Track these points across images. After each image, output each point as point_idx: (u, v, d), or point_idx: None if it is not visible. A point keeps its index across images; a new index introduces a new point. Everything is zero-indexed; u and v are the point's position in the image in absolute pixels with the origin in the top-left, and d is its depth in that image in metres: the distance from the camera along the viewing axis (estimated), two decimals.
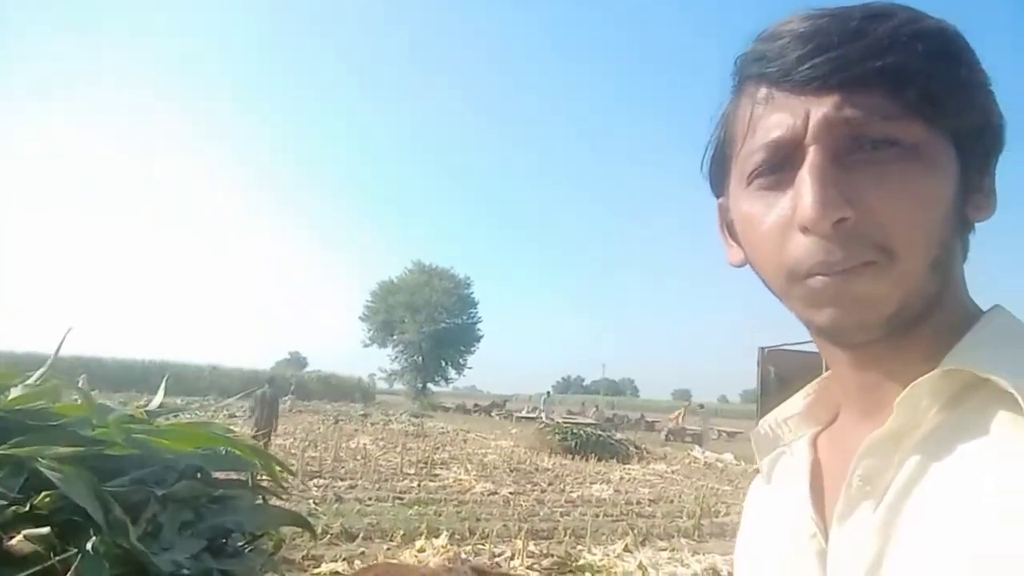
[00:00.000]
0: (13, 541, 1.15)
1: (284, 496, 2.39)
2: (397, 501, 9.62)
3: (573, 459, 16.32)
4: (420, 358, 52.34)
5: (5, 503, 1.23)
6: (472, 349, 54.13)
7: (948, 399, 0.50)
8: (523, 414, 34.49)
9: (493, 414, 37.76)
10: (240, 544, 2.02)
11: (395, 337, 52.31)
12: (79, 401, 1.68)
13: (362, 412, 30.60)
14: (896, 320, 0.51)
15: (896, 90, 0.50)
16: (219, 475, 2.08)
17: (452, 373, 54.60)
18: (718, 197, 0.65)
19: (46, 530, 1.20)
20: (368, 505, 9.23)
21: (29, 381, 1.66)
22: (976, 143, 0.53)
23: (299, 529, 2.44)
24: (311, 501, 9.11)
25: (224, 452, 2.10)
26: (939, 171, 0.51)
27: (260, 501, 2.18)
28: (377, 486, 10.82)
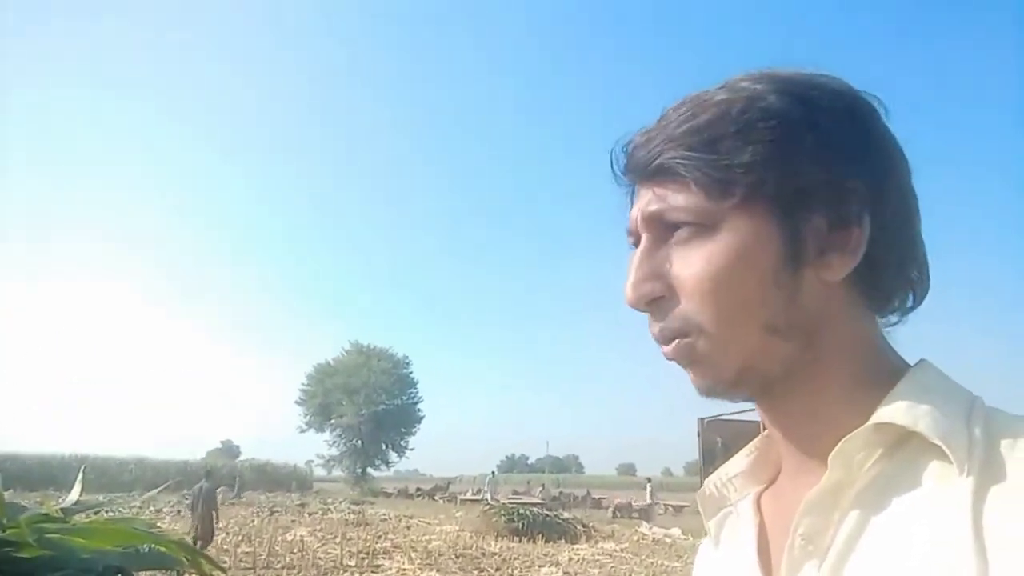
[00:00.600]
0: None
1: None
2: None
3: (520, 541, 15.89)
4: (359, 442, 50.73)
5: None
6: (413, 430, 52.87)
7: (881, 452, 0.52)
8: (468, 496, 33.66)
9: (437, 497, 36.73)
10: None
11: (333, 421, 50.70)
12: None
13: (299, 502, 29.24)
14: (747, 383, 0.56)
15: (692, 175, 0.54)
16: (143, 575, 1.94)
17: (393, 456, 53.04)
18: None
19: None
20: None
21: None
22: (804, 201, 0.54)
23: None
24: None
25: (148, 549, 1.97)
26: (741, 242, 0.53)
27: None
28: None
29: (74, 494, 2.15)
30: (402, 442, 52.57)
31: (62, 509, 2.04)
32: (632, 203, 0.61)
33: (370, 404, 48.81)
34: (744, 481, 0.67)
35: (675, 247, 0.56)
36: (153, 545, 1.99)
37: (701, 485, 0.69)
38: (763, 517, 0.63)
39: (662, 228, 0.57)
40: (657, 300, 0.56)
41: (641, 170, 0.58)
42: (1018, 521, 0.43)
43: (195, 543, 11.98)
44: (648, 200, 0.58)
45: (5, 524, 1.68)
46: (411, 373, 52.51)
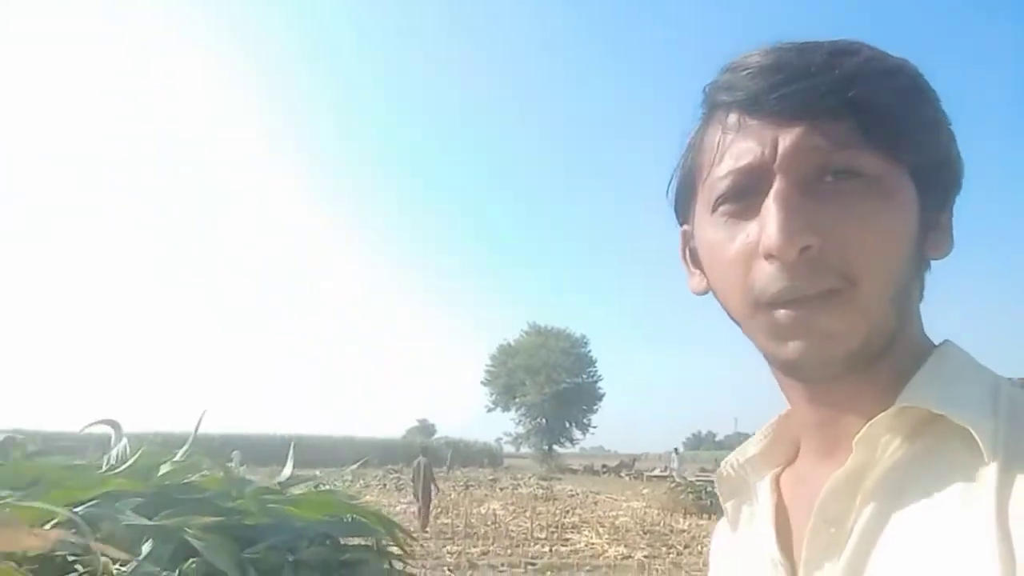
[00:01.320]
0: None
1: (411, 561, 2.47)
2: (530, 567, 9.54)
3: (709, 519, 15.57)
4: (543, 420, 52.12)
5: (157, 569, 1.36)
6: (595, 408, 53.37)
7: (905, 436, 0.51)
8: (654, 473, 33.42)
9: (622, 474, 36.82)
10: None
11: (517, 400, 52.46)
12: (219, 475, 1.84)
13: (491, 477, 30.72)
14: (858, 356, 0.52)
15: (861, 123, 0.50)
16: (347, 541, 2.19)
17: (577, 434, 53.94)
18: (682, 224, 0.65)
19: None
20: (501, 571, 9.21)
21: (176, 459, 1.84)
22: (936, 181, 0.54)
23: None
24: (446, 568, 9.19)
25: (351, 519, 2.21)
26: (901, 205, 0.52)
27: (387, 566, 2.27)
28: (509, 551, 10.77)
29: (287, 470, 2.47)
30: (585, 419, 53.29)
31: (279, 483, 2.34)
32: (750, 133, 0.53)
33: (551, 383, 49.87)
34: (760, 462, 0.66)
35: (836, 196, 0.51)
36: (355, 515, 2.23)
37: None
38: (781, 498, 0.62)
39: (815, 171, 0.51)
40: (808, 250, 0.50)
41: (821, 97, 0.51)
42: None
43: (419, 511, 13.14)
44: (806, 135, 0.51)
45: (235, 496, 1.98)
46: (589, 352, 52.97)
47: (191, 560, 1.45)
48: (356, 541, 2.23)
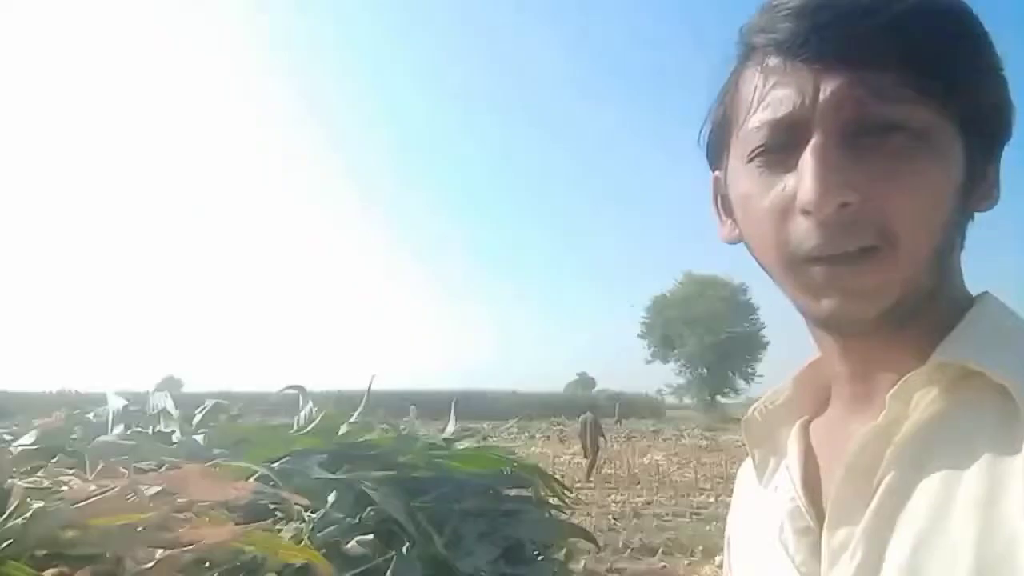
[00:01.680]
0: (348, 546, 1.47)
1: (575, 508, 2.59)
2: (695, 516, 9.53)
3: None
4: (704, 370, 51.03)
5: (340, 516, 1.56)
6: (758, 357, 51.39)
7: (940, 392, 0.49)
8: None
9: None
10: (534, 553, 2.25)
11: (676, 352, 51.69)
12: (391, 434, 2.04)
13: (653, 428, 30.72)
14: (895, 312, 0.50)
15: (910, 72, 0.47)
16: (507, 492, 2.35)
17: (741, 383, 52.32)
18: (714, 170, 0.63)
19: (370, 537, 1.51)
20: (666, 520, 9.28)
21: (352, 419, 2.06)
22: (985, 130, 0.51)
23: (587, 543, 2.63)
24: (611, 516, 9.41)
25: (509, 471, 2.37)
26: (947, 159, 0.49)
27: (547, 515, 2.41)
28: (673, 501, 10.82)
29: (451, 426, 2.67)
30: (748, 369, 51.55)
31: (444, 438, 2.54)
32: (789, 79, 0.50)
33: (710, 333, 48.58)
34: (788, 410, 0.64)
35: (879, 150, 0.48)
36: (513, 468, 2.38)
37: None
38: (810, 447, 0.60)
39: (857, 122, 0.49)
40: (846, 207, 0.48)
41: (867, 42, 0.47)
42: None
43: (587, 461, 13.56)
44: (850, 84, 0.48)
45: (405, 451, 2.18)
46: (750, 299, 50.89)
47: (368, 508, 1.63)
48: (515, 492, 2.38)
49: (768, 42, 0.52)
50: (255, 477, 1.64)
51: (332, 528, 1.50)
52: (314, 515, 1.50)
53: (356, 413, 2.09)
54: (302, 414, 2.44)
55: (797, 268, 0.52)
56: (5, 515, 0.85)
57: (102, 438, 1.35)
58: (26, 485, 1.05)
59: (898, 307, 0.50)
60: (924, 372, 0.49)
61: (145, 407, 2.41)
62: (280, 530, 1.44)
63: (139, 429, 1.94)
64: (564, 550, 2.49)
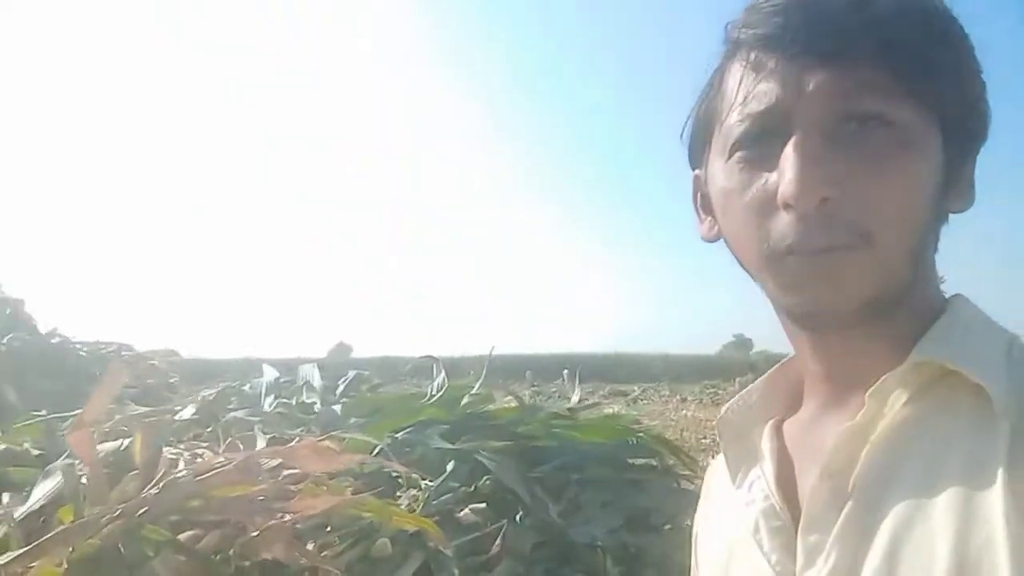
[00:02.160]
0: (461, 513, 1.55)
1: (700, 480, 2.55)
2: None
3: None
4: None
5: (457, 485, 1.64)
6: None
7: (917, 391, 0.49)
8: None
9: None
10: (662, 523, 2.25)
11: None
12: (511, 405, 2.10)
13: None
14: (870, 308, 0.50)
15: (892, 68, 0.47)
16: (633, 462, 2.36)
17: None
18: (694, 169, 0.62)
19: (483, 505, 1.58)
20: None
21: (474, 391, 2.14)
22: (963, 130, 0.52)
23: None
24: None
25: (633, 442, 2.37)
26: (927, 156, 0.49)
27: (674, 485, 2.39)
28: None
29: (575, 395, 2.70)
30: None
31: (568, 408, 2.58)
32: (771, 74, 0.50)
33: None
34: (762, 409, 0.63)
35: (860, 146, 0.48)
36: (637, 438, 2.38)
37: None
38: (784, 447, 0.60)
39: (839, 117, 0.48)
40: (826, 202, 0.48)
41: (850, 38, 0.47)
42: None
43: None
44: (832, 78, 0.48)
45: (527, 420, 2.24)
46: None
47: (485, 478, 1.71)
48: (642, 462, 2.38)
49: (752, 38, 0.52)
50: (378, 448, 1.77)
51: (447, 496, 1.58)
52: (432, 484, 1.59)
53: (477, 384, 2.17)
54: (435, 383, 2.57)
55: (776, 262, 0.51)
56: (147, 486, 0.99)
57: (234, 413, 1.51)
58: (170, 456, 1.21)
59: (876, 302, 0.50)
60: (902, 371, 0.49)
61: (295, 378, 2.65)
62: (399, 497, 1.55)
63: (285, 400, 2.14)
64: None
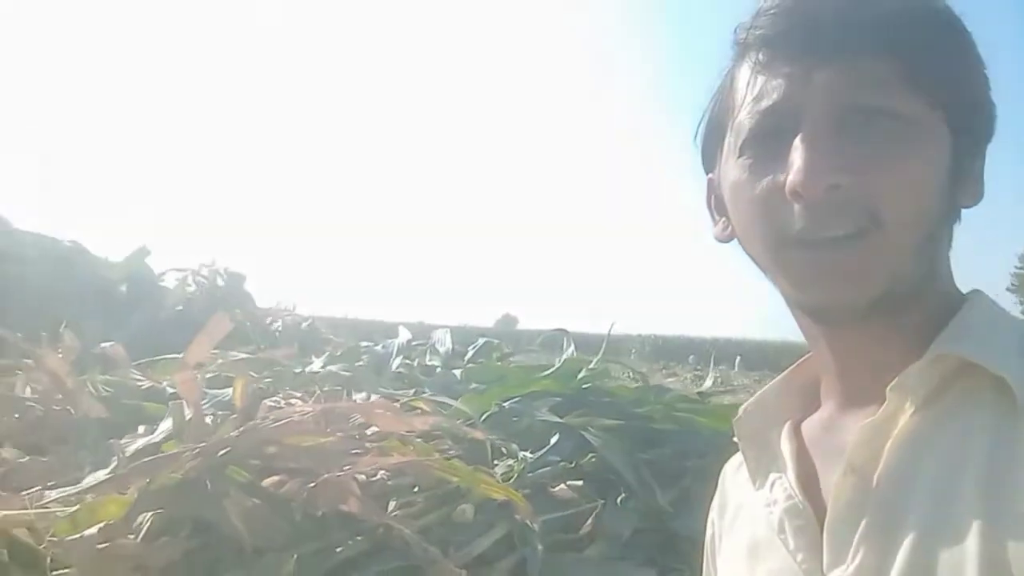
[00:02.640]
0: (556, 489, 1.50)
1: None
2: None
3: None
4: None
5: (557, 459, 1.60)
6: None
7: (937, 385, 0.50)
8: None
9: None
10: None
11: None
12: (631, 384, 2.02)
13: None
14: (883, 301, 0.50)
15: (899, 62, 0.49)
16: None
17: None
18: (708, 173, 0.63)
19: (580, 483, 1.52)
20: None
21: (591, 366, 2.08)
22: (970, 126, 0.53)
23: None
24: None
25: None
26: (934, 149, 0.51)
27: None
28: None
29: (708, 380, 2.56)
30: None
31: (699, 392, 2.45)
32: (781, 71, 0.52)
33: None
34: (778, 409, 0.64)
35: (868, 137, 0.49)
36: None
37: None
38: (803, 446, 0.60)
39: (847, 110, 0.49)
40: (836, 189, 0.48)
41: (856, 34, 0.49)
42: None
43: None
44: (840, 72, 0.49)
45: (652, 401, 2.15)
46: None
47: (590, 455, 1.65)
48: None
49: (759, 39, 0.53)
50: (487, 415, 1.76)
51: (546, 470, 1.55)
52: (531, 456, 1.56)
53: (595, 359, 2.11)
54: (564, 355, 2.54)
55: (785, 254, 0.52)
56: (232, 430, 1.04)
57: (329, 367, 1.55)
58: (269, 404, 1.27)
59: (886, 295, 0.50)
60: (923, 365, 0.49)
61: (428, 341, 2.73)
62: (496, 466, 1.54)
63: (408, 361, 2.20)
64: None
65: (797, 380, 0.65)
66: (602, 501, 1.50)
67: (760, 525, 0.59)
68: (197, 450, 0.95)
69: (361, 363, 2.21)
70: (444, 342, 2.58)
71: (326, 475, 0.95)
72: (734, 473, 0.69)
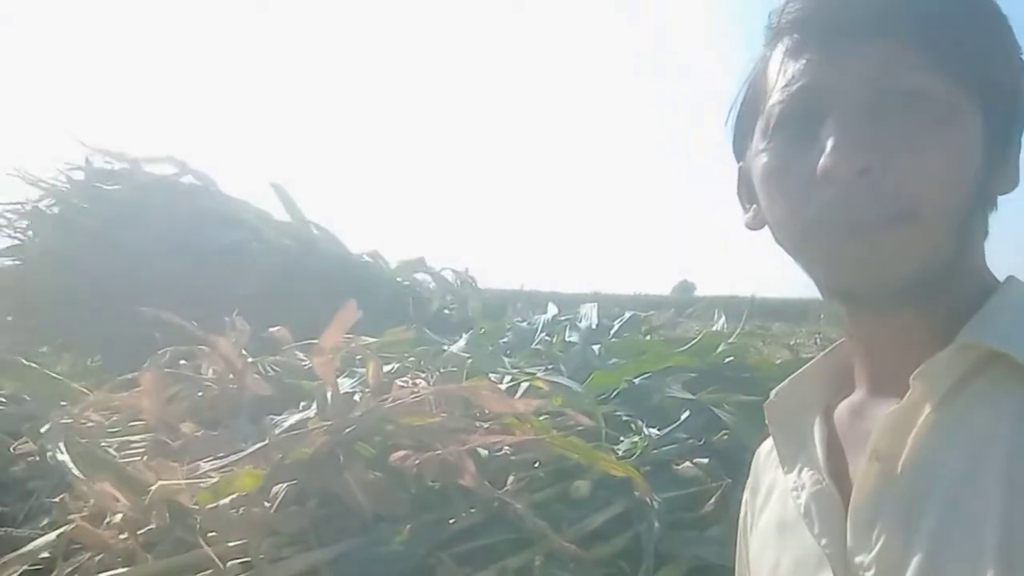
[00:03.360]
0: (682, 466, 1.49)
1: None
2: None
3: None
4: None
5: (686, 436, 1.58)
6: None
7: (965, 374, 0.49)
8: None
9: None
10: None
11: None
12: (771, 360, 1.95)
13: None
14: (915, 286, 0.50)
15: (933, 44, 0.49)
16: None
17: None
18: (739, 161, 0.63)
19: (706, 460, 1.50)
20: None
21: (731, 340, 2.02)
22: (1005, 111, 0.52)
23: None
24: None
25: None
26: (968, 133, 0.50)
27: None
28: None
29: None
30: None
31: None
32: (813, 54, 0.51)
33: None
34: (813, 393, 0.64)
35: (902, 120, 0.48)
36: None
37: None
38: (834, 431, 0.60)
39: (881, 93, 0.49)
40: (868, 172, 0.48)
41: (890, 16, 0.48)
42: None
43: None
44: (873, 54, 0.49)
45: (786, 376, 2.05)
46: None
47: (722, 432, 1.62)
48: None
49: (790, 23, 0.53)
50: (617, 391, 1.78)
51: (672, 448, 1.55)
52: (657, 433, 1.56)
53: (735, 334, 2.05)
54: (716, 326, 2.49)
55: (816, 239, 0.52)
56: (356, 412, 1.16)
57: (450, 348, 1.63)
58: (400, 384, 1.38)
59: (921, 279, 0.50)
60: (948, 353, 0.49)
61: (575, 316, 2.77)
62: (621, 442, 1.56)
63: (547, 338, 2.26)
64: None
65: (830, 365, 0.65)
66: (729, 480, 1.47)
67: (788, 508, 0.61)
68: (325, 428, 1.07)
69: (505, 339, 2.31)
70: (589, 316, 2.61)
71: (440, 450, 1.03)
72: (766, 457, 0.70)
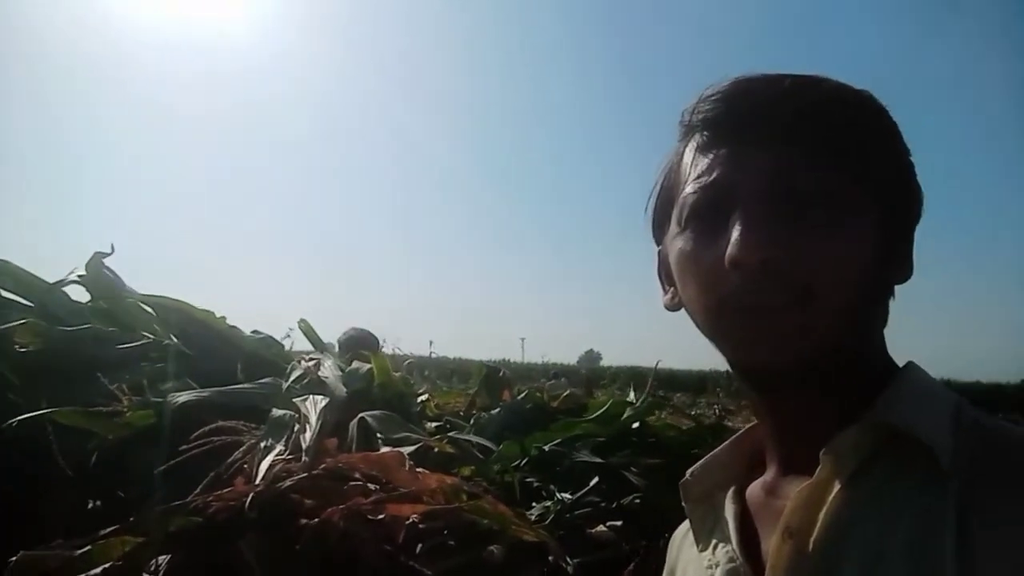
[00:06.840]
0: (595, 530, 1.48)
1: None
2: None
3: None
4: None
5: (598, 500, 1.57)
6: None
7: (870, 452, 0.52)
8: None
9: None
10: None
11: None
12: (680, 423, 1.99)
13: None
14: (814, 367, 0.53)
15: (827, 147, 0.53)
16: None
17: None
18: (658, 244, 0.67)
19: (620, 523, 1.49)
20: None
21: (636, 405, 2.05)
22: (897, 208, 0.57)
23: None
24: None
25: None
26: (863, 227, 0.54)
27: None
28: None
29: None
30: None
31: None
32: (721, 152, 0.56)
33: None
34: (725, 473, 0.66)
35: (805, 216, 0.53)
36: None
37: None
38: (747, 510, 0.62)
39: (782, 190, 0.53)
40: (770, 261, 0.52)
41: (787, 122, 0.53)
42: (1002, 524, 0.45)
43: None
44: (774, 156, 0.54)
45: (701, 442, 2.09)
46: None
47: (634, 496, 1.62)
48: None
49: (702, 122, 0.58)
50: (525, 459, 1.76)
51: (585, 511, 1.53)
52: (569, 497, 1.54)
53: (640, 399, 2.08)
54: (640, 396, 2.51)
55: (724, 319, 0.56)
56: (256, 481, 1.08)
57: (364, 413, 1.58)
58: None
59: (819, 360, 0.53)
60: (855, 432, 0.52)
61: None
62: (533, 507, 1.53)
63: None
64: None
65: (743, 446, 0.67)
66: (645, 543, 1.46)
67: None
68: (221, 494, 1.00)
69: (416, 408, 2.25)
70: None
71: (333, 518, 0.98)
72: (682, 538, 0.71)
